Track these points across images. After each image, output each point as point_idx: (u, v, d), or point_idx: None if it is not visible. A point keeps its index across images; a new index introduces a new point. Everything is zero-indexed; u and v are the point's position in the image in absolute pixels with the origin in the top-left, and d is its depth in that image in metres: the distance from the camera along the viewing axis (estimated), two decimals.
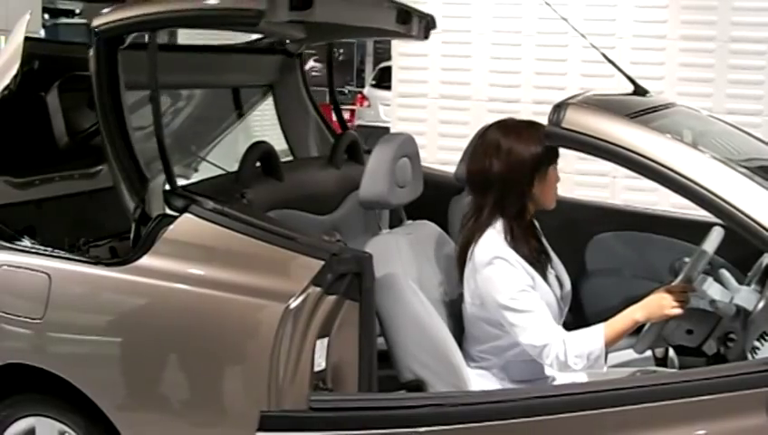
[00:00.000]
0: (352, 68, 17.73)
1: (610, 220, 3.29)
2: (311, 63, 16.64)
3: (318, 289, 2.29)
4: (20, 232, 2.82)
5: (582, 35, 3.15)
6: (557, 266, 2.67)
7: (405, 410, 2.17)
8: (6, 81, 2.55)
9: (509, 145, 2.46)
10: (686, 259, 2.44)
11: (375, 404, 2.26)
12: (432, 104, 6.29)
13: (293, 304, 2.28)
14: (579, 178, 5.28)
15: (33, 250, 2.70)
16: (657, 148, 2.15)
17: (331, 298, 2.31)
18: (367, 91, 14.26)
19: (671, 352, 2.82)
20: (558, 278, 2.64)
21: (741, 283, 2.51)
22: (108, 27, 2.52)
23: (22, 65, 2.57)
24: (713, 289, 2.37)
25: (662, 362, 2.83)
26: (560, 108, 2.25)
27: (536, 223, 2.68)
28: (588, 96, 2.47)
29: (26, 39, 2.57)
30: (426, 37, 3.44)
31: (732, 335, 2.40)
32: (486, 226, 2.50)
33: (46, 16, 20.14)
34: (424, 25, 3.33)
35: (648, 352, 2.71)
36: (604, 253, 3.23)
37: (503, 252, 2.45)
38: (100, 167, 3.27)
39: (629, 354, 2.62)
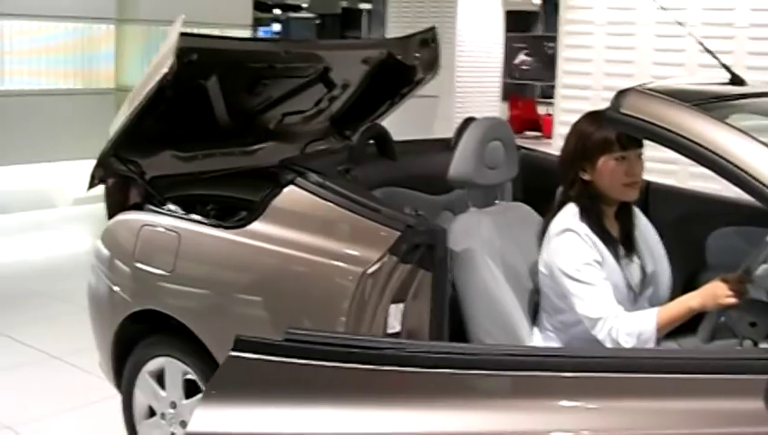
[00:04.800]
0: None
1: (732, 214, 3.23)
2: (521, 57, 16.25)
3: (394, 258, 2.50)
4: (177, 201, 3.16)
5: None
6: (645, 256, 2.70)
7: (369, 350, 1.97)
8: (165, 69, 2.90)
9: (580, 129, 2.57)
10: None
11: (346, 342, 2.03)
12: (595, 96, 6.27)
13: (370, 269, 2.51)
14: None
15: (169, 213, 3.10)
16: (715, 136, 2.13)
17: (406, 267, 2.50)
18: None
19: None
20: (642, 268, 2.67)
21: None
22: None
23: (180, 57, 2.92)
24: None
25: None
26: (623, 93, 2.28)
27: (635, 209, 2.73)
28: (662, 83, 2.49)
29: (184, 35, 2.91)
30: None
31: None
32: (566, 202, 2.62)
33: (278, 11, 21.10)
34: None
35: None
36: (724, 248, 3.18)
37: (575, 225, 2.55)
38: (260, 146, 3.63)
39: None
